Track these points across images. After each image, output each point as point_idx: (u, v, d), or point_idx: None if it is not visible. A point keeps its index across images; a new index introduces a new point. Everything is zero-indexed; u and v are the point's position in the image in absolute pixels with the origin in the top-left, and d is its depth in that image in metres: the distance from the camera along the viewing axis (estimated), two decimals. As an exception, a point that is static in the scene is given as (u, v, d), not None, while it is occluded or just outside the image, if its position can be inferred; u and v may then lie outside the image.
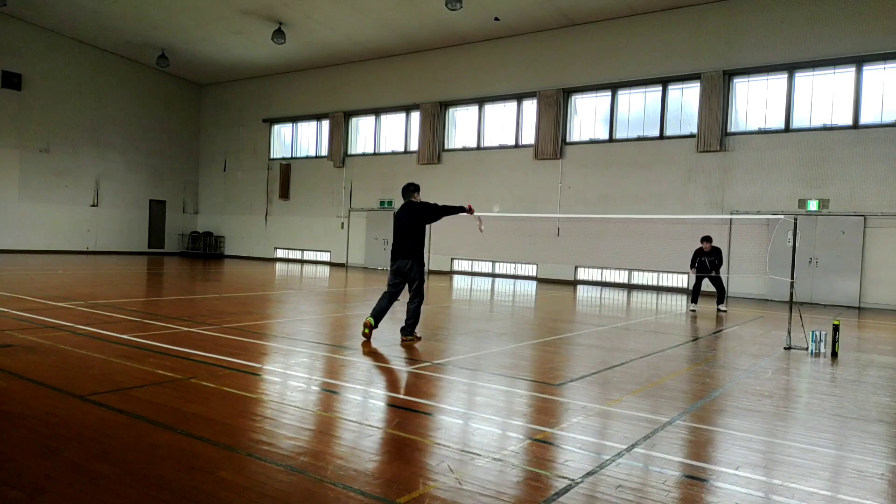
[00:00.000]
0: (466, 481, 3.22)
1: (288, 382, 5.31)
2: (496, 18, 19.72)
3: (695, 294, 13.54)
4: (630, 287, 18.96)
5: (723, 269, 13.75)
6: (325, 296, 13.30)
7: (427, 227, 7.59)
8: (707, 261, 13.25)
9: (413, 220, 7.50)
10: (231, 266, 22.66)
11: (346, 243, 25.08)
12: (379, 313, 7.37)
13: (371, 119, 24.94)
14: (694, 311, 13.25)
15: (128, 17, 22.60)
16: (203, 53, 25.74)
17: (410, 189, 7.73)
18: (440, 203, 7.74)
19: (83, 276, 15.44)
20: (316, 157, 26.43)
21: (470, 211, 7.88)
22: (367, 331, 7.25)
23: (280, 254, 27.48)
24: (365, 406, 4.71)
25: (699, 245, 13.37)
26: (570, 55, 19.86)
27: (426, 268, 7.98)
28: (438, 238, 21.84)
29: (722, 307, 13.36)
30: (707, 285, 13.67)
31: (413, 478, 3.26)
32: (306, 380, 5.47)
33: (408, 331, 7.48)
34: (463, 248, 21.57)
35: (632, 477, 3.40)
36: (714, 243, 13.45)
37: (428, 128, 22.62)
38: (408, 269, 7.46)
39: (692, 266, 13.41)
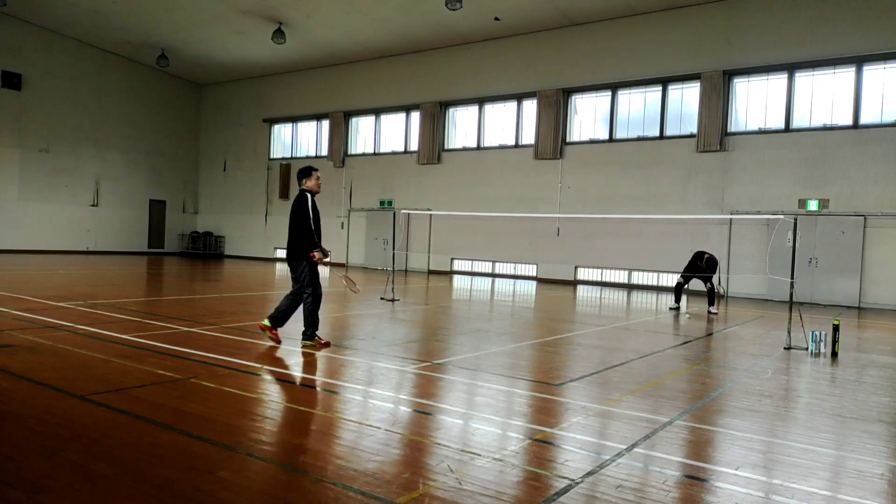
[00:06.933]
0: (466, 481, 3.22)
1: (288, 383, 5.31)
2: (496, 18, 19.72)
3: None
4: (630, 287, 18.95)
5: (722, 268, 13.72)
6: (324, 296, 13.27)
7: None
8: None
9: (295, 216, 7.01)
10: (231, 266, 22.65)
11: (345, 243, 25.08)
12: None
13: (371, 119, 24.93)
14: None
15: (128, 17, 22.60)
16: (203, 53, 25.74)
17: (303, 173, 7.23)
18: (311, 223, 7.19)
19: (83, 276, 15.44)
20: (316, 157, 26.42)
21: (319, 259, 6.96)
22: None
23: (280, 254, 27.45)
24: (365, 406, 4.71)
25: (699, 250, 13.12)
26: (570, 55, 19.85)
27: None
28: (437, 238, 21.88)
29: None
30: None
31: (413, 478, 3.26)
32: (307, 380, 5.46)
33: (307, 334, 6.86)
34: (462, 248, 21.56)
35: (632, 477, 3.40)
36: (713, 243, 13.41)
37: (428, 128, 22.61)
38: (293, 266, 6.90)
39: None
